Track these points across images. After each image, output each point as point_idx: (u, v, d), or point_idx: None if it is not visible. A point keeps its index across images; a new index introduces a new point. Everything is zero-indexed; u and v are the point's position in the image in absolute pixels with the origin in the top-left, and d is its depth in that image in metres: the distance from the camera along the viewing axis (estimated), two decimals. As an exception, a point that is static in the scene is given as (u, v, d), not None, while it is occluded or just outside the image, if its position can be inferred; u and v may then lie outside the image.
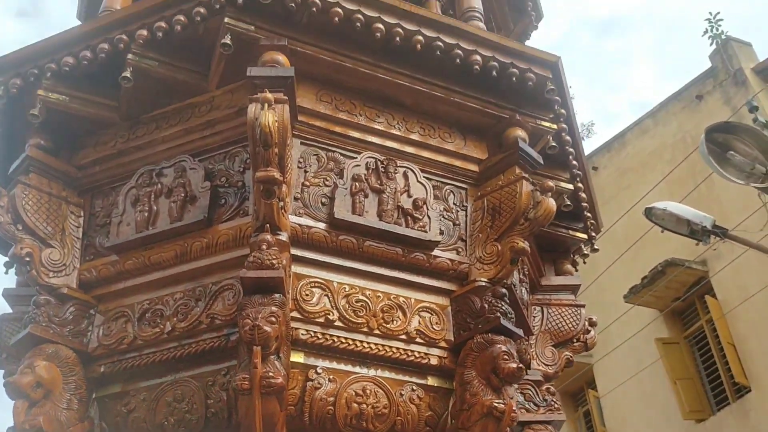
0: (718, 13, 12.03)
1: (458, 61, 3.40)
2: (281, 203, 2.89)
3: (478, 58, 3.42)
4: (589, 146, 19.76)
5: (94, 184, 3.46)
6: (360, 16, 3.23)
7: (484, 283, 3.21)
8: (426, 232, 3.23)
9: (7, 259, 3.64)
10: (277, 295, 2.70)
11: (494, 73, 3.46)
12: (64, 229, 3.30)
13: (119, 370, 3.06)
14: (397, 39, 3.29)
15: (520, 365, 2.96)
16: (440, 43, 3.37)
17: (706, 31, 12.15)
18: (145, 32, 3.21)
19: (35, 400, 2.88)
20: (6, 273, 4.01)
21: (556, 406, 3.82)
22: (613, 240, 11.85)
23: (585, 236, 4.36)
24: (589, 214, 4.28)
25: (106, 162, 3.45)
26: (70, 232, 3.32)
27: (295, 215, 3.07)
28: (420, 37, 3.33)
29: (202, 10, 3.15)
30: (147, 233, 3.15)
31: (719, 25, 12.10)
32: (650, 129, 13.65)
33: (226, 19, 3.11)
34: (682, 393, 11.21)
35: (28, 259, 3.14)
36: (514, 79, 3.49)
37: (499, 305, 3.10)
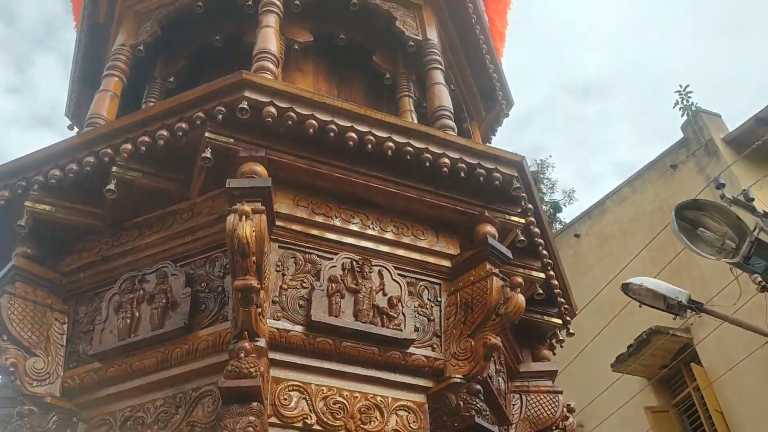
0: (688, 85, 12.51)
1: (428, 164, 3.59)
2: (259, 309, 2.99)
3: (447, 160, 3.61)
4: (570, 213, 20.09)
5: (78, 290, 3.56)
6: (333, 126, 3.43)
7: (459, 380, 3.29)
8: (401, 330, 3.34)
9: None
10: (255, 404, 2.77)
11: (462, 174, 3.64)
12: (48, 337, 3.38)
13: (100, 478, 3.09)
14: (369, 146, 3.48)
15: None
16: (410, 148, 3.56)
17: (676, 103, 12.59)
18: (129, 146, 3.38)
19: None
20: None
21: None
22: (597, 309, 11.95)
23: (560, 321, 4.47)
24: (562, 300, 4.40)
25: (90, 268, 3.56)
26: (54, 339, 3.39)
27: (273, 319, 3.17)
28: (391, 144, 3.52)
29: (183, 125, 3.34)
30: (129, 341, 3.23)
31: (689, 97, 12.56)
32: (628, 197, 13.96)
33: (207, 134, 3.29)
34: (675, 463, 11.10)
35: (12, 369, 3.20)
36: (481, 179, 3.68)
37: (474, 403, 3.18)
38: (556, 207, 18.23)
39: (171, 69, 4.97)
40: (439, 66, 4.79)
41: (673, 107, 12.58)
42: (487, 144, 6.70)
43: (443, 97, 4.54)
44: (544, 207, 17.75)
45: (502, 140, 6.38)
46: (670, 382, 12.12)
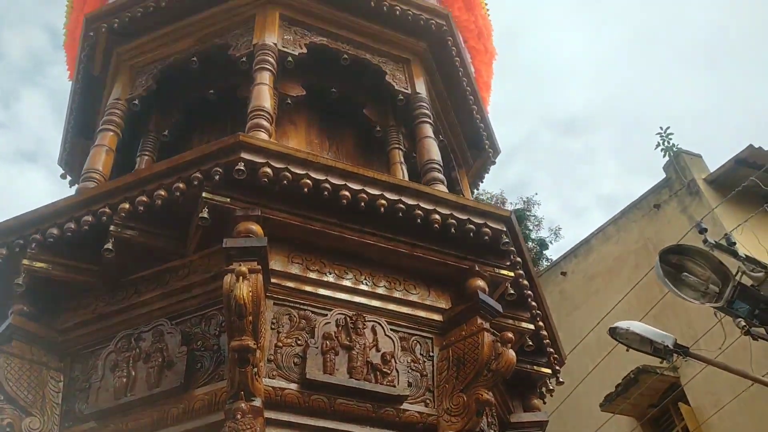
0: (668, 127, 12.79)
1: (419, 220, 3.68)
2: (255, 369, 3.04)
3: (438, 216, 3.71)
4: (557, 250, 20.26)
5: (74, 348, 3.58)
6: (327, 185, 3.52)
7: (452, 462, 3.32)
8: (395, 386, 3.39)
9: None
10: (251, 468, 2.80)
11: (453, 230, 3.74)
12: (44, 396, 3.39)
13: None
14: (362, 203, 3.57)
15: None
16: (402, 205, 3.66)
17: (658, 144, 12.84)
18: (127, 205, 3.45)
19: None
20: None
21: None
22: (586, 348, 12.01)
23: (549, 371, 4.53)
24: (551, 350, 4.47)
25: (86, 326, 3.59)
26: (50, 398, 3.41)
27: (269, 377, 3.21)
28: (383, 201, 3.62)
29: (181, 185, 3.42)
30: (125, 400, 3.25)
31: (670, 139, 12.83)
32: (613, 235, 14.12)
33: (204, 194, 3.37)
34: (666, 503, 11.05)
35: (9, 429, 3.21)
36: (471, 234, 3.77)
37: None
38: (543, 244, 18.37)
39: (166, 122, 5.07)
40: (428, 120, 4.93)
41: (655, 148, 12.83)
42: (476, 190, 6.85)
43: (432, 151, 4.66)
44: (530, 244, 17.95)
45: (487, 175, 6.50)
46: (659, 422, 12.13)
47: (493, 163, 6.42)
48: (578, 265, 14.77)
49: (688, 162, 12.62)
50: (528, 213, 18.80)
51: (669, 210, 12.70)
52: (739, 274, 6.65)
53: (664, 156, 12.95)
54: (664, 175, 13.09)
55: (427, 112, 4.96)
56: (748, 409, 10.14)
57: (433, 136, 4.84)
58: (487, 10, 6.66)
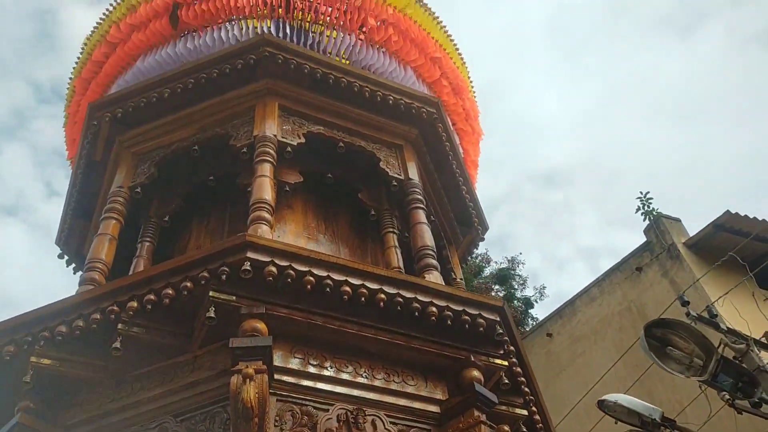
0: (648, 192, 13.17)
1: (416, 313, 3.83)
2: (261, 471, 3.12)
3: (434, 309, 3.86)
4: (542, 309, 20.41)
5: (79, 446, 3.63)
6: (329, 281, 3.67)
7: None
8: (396, 481, 3.47)
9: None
10: None
11: (449, 321, 3.88)
12: (49, 496, 3.43)
13: None
14: (363, 298, 3.72)
15: None
16: (400, 299, 3.81)
17: (638, 209, 13.18)
18: (135, 304, 3.56)
19: None
20: None
21: None
22: (574, 414, 12.05)
23: (544, 454, 4.62)
24: (544, 432, 4.57)
25: (92, 422, 3.65)
26: (55, 499, 3.44)
27: (274, 478, 3.28)
28: (383, 295, 3.77)
29: (188, 284, 3.55)
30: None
31: (650, 203, 13.19)
32: (597, 297, 14.31)
33: (211, 293, 3.50)
34: None
35: None
36: (467, 325, 3.92)
37: None
38: (528, 303, 18.53)
39: (166, 208, 5.21)
40: (421, 205, 5.13)
41: (635, 212, 13.16)
42: (464, 264, 7.02)
43: (426, 237, 4.84)
44: (516, 303, 18.08)
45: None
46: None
47: (482, 239, 6.62)
48: (563, 326, 14.92)
49: (668, 226, 12.96)
50: (512, 272, 19.00)
51: (651, 273, 12.96)
52: (722, 346, 6.83)
53: (645, 220, 13.30)
54: (644, 238, 13.43)
55: (420, 197, 5.16)
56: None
57: (426, 221, 5.03)
58: (474, 93, 6.97)
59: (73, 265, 6.07)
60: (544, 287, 19.44)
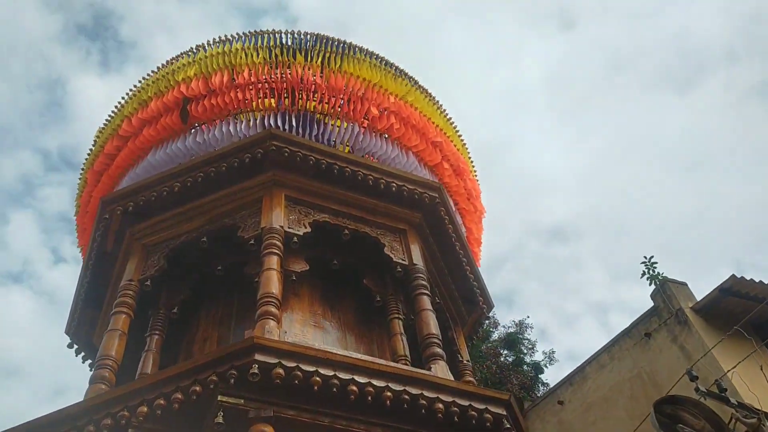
0: (652, 256, 13.16)
1: (423, 410, 3.86)
2: None
3: (441, 405, 3.90)
4: (553, 375, 20.20)
5: None
6: (336, 381, 3.72)
7: None
8: None
9: None
10: None
11: (456, 417, 3.91)
12: None
13: None
14: (369, 397, 3.76)
15: None
16: (407, 396, 3.85)
17: (643, 273, 13.19)
18: (145, 409, 3.62)
19: None
20: None
21: None
22: (588, 485, 11.79)
23: None
24: None
25: None
26: None
27: None
28: (389, 393, 3.81)
29: (197, 388, 3.61)
30: None
31: (655, 267, 13.20)
32: (607, 364, 14.15)
33: (219, 397, 3.55)
34: None
35: None
36: (474, 421, 3.94)
37: None
38: (538, 368, 18.32)
39: (175, 299, 5.30)
40: (426, 291, 5.20)
41: (641, 277, 13.16)
42: (471, 342, 7.03)
43: (431, 325, 4.90)
44: (525, 368, 17.89)
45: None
46: None
47: (488, 317, 6.72)
48: (574, 393, 14.72)
49: (674, 290, 12.93)
50: (521, 336, 18.88)
51: (660, 339, 12.88)
52: (733, 421, 6.78)
53: (650, 284, 13.28)
54: (652, 303, 13.39)
55: (424, 283, 5.24)
56: None
57: (430, 308, 5.09)
58: (475, 173, 7.13)
59: (83, 354, 6.12)
60: (554, 351, 19.27)
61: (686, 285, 13.33)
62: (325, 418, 3.75)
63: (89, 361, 6.01)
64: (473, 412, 3.95)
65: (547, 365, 19.01)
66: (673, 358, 12.04)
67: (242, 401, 3.59)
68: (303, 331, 4.97)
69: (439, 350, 4.72)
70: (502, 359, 17.81)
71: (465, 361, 5.85)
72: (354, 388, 3.75)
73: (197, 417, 3.74)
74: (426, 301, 5.14)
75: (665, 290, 13.12)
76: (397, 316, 5.27)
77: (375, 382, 3.82)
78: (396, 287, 5.49)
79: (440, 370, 4.53)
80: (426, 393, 3.91)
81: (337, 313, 5.37)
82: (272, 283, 4.54)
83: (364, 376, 3.82)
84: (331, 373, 3.75)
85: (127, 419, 3.62)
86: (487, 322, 18.76)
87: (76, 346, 6.07)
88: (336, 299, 5.45)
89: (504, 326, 19.23)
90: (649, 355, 12.98)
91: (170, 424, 3.70)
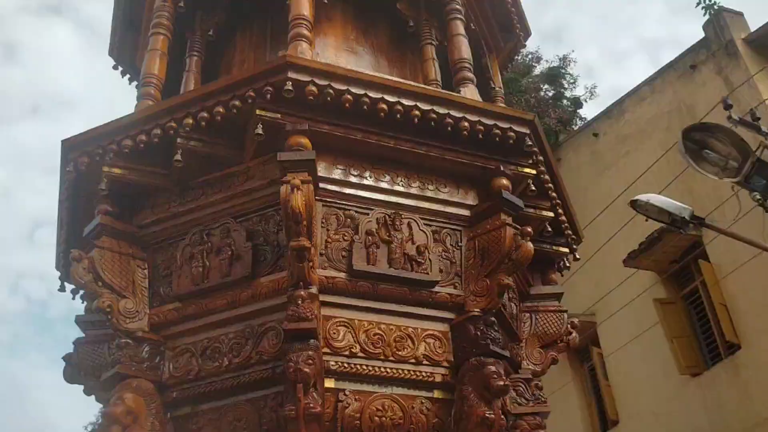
0: (710, -17, 12.35)
1: (449, 128, 4.07)
2: (310, 263, 3.62)
3: (467, 123, 4.09)
4: (592, 111, 20.19)
5: (154, 241, 4.20)
6: (366, 99, 3.90)
7: (476, 313, 3.94)
8: (428, 273, 3.97)
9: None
10: (312, 341, 3.45)
11: (480, 135, 4.13)
12: (134, 282, 4.06)
13: (188, 395, 3.85)
14: (398, 115, 3.96)
15: (507, 383, 3.73)
16: (434, 115, 4.04)
17: (699, 2, 12.48)
18: (190, 120, 3.90)
19: (127, 424, 3.67)
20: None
21: (542, 399, 4.59)
22: (614, 209, 12.51)
23: (567, 250, 5.06)
24: (569, 232, 4.97)
25: (163, 223, 4.18)
26: (139, 283, 4.07)
27: (322, 269, 3.80)
28: (417, 111, 4.00)
29: (236, 102, 3.84)
30: (202, 286, 3.90)
31: (712, -4, 12.44)
32: (647, 96, 14.12)
33: (258, 111, 3.79)
34: (678, 350, 12.02)
35: (108, 309, 3.89)
36: (497, 138, 4.16)
37: (489, 333, 3.85)
38: (577, 103, 18.33)
39: (210, 21, 5.36)
40: (459, 15, 5.14)
41: (696, 6, 12.48)
42: (506, 72, 7.05)
43: (463, 49, 4.93)
44: (565, 102, 17.90)
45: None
46: (679, 277, 12.86)
47: (524, 45, 6.60)
48: (611, 126, 14.92)
49: (729, 21, 12.32)
50: (563, 71, 18.59)
51: (705, 71, 12.60)
52: (760, 149, 6.94)
53: (705, 14, 12.64)
54: (703, 34, 12.84)
55: (458, 7, 5.16)
56: (764, 266, 10.72)
57: (463, 33, 5.07)
58: None
59: (128, 75, 6.37)
60: (595, 87, 19.10)
61: (742, 15, 12.65)
62: (357, 133, 4.00)
63: (135, 82, 6.27)
64: (497, 131, 4.15)
65: (587, 100, 18.98)
66: (716, 91, 11.88)
67: (279, 115, 3.83)
68: (336, 55, 5.06)
69: (469, 74, 4.80)
70: (542, 93, 17.74)
71: (497, 88, 5.93)
72: (383, 106, 3.93)
73: (239, 130, 4.03)
74: (459, 26, 5.10)
75: (718, 20, 12.52)
76: (429, 41, 5.27)
77: (404, 101, 3.98)
78: (430, 12, 5.40)
79: (469, 93, 4.66)
80: (453, 113, 4.09)
81: (370, 38, 5.38)
82: (303, 5, 4.52)
83: (393, 95, 3.98)
84: (361, 91, 3.91)
85: (175, 129, 3.93)
86: (529, 56, 18.42)
87: (121, 68, 6.29)
88: (369, 24, 5.42)
89: (547, 60, 18.84)
90: (691, 88, 12.84)
91: (215, 135, 4.01)
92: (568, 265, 5.22)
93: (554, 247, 5.02)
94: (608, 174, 14.08)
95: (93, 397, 4.49)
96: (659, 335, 12.42)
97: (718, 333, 11.75)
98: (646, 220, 7.99)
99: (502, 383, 3.69)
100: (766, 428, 10.13)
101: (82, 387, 4.49)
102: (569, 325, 4.91)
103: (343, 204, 4.00)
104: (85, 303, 4.70)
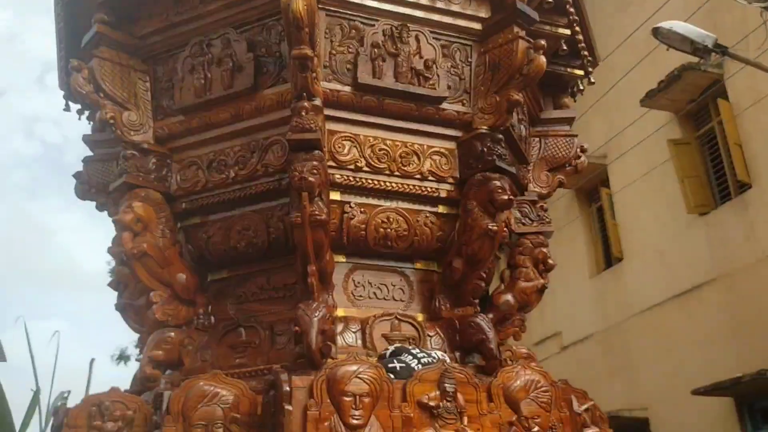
0: None
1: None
2: (314, 74, 3.51)
3: None
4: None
5: (154, 53, 4.06)
6: None
7: (484, 131, 3.88)
8: (435, 89, 3.86)
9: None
10: (316, 152, 3.42)
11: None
12: (136, 94, 3.99)
13: (197, 206, 3.91)
14: None
15: (511, 197, 3.74)
16: None
17: None
18: None
19: (137, 231, 3.77)
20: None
21: (547, 220, 4.64)
22: (632, 44, 12.05)
23: (582, 72, 4.89)
24: (586, 53, 4.78)
25: (161, 33, 4.02)
26: (142, 95, 4.01)
27: (326, 81, 3.69)
28: None
29: None
30: (205, 99, 3.83)
31: None
32: None
33: None
34: (688, 189, 12.10)
35: (112, 121, 3.86)
36: None
37: (496, 149, 3.81)
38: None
39: None
40: None
41: None
42: None
43: None
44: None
45: None
46: (695, 116, 12.65)
47: None
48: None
49: None
50: None
51: None
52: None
53: None
54: None
55: None
56: (785, 105, 10.48)
57: None
58: None
59: None
60: None
61: None
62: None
63: None
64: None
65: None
66: None
67: None
68: None
69: None
70: None
71: None
72: None
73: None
74: None
75: None
76: None
77: None
78: None
79: None
80: None
81: None
82: None
83: None
84: None
85: (169, -71, 3.68)
86: None
87: None
88: None
89: None
90: None
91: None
92: (581, 88, 5.06)
93: (568, 69, 4.85)
94: (629, 11, 13.40)
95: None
96: (669, 175, 12.46)
97: (730, 173, 11.76)
98: (667, 49, 7.68)
99: (506, 197, 3.70)
100: None
101: (101, 227, 4.58)
102: (579, 149, 4.85)
103: (347, 14, 3.81)
104: (91, 123, 4.68)
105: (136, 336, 4.50)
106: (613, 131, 13.11)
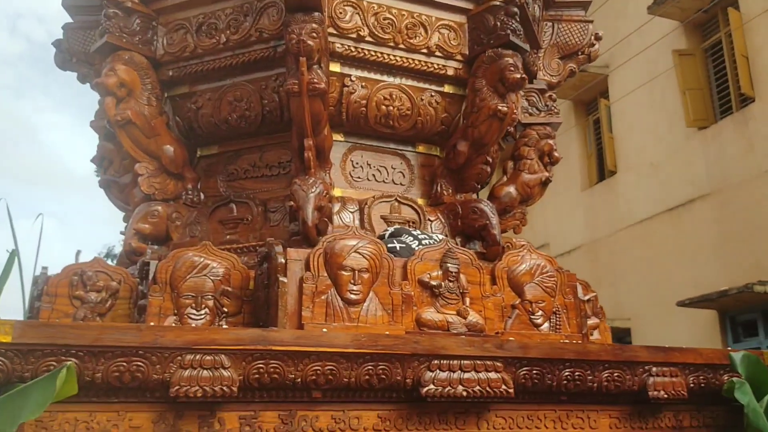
0: None
1: None
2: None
3: None
4: None
5: None
6: None
7: (498, 3, 3.58)
8: (447, -48, 3.52)
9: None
10: (316, 14, 3.13)
11: None
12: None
13: (185, 74, 3.62)
14: None
15: (524, 76, 3.49)
16: None
17: None
18: None
19: (121, 97, 3.48)
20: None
21: (555, 110, 4.41)
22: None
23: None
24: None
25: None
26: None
27: (327, -63, 3.35)
28: None
29: None
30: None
31: None
32: None
33: None
34: (689, 102, 11.82)
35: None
36: None
37: (510, 23, 3.52)
38: None
39: None
40: None
41: None
42: None
43: None
44: None
45: None
46: (702, 27, 12.21)
47: None
48: None
49: None
50: None
51: None
52: None
53: None
54: None
55: None
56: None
57: None
58: None
59: None
60: None
61: None
62: None
63: None
64: None
65: None
66: None
67: None
68: None
69: None
70: None
71: None
72: None
73: None
74: None
75: None
76: None
77: None
78: None
79: None
80: None
81: None
82: None
83: None
84: None
85: None
86: None
87: None
88: None
89: None
90: None
91: None
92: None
93: (585, -50, 4.49)
94: None
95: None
96: (671, 87, 12.16)
97: (734, 86, 11.46)
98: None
99: (518, 76, 3.45)
100: (765, 180, 10.28)
101: (91, 128, 4.19)
102: (593, 36, 4.56)
103: None
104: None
105: (123, 237, 4.30)
106: (616, 39, 12.66)
